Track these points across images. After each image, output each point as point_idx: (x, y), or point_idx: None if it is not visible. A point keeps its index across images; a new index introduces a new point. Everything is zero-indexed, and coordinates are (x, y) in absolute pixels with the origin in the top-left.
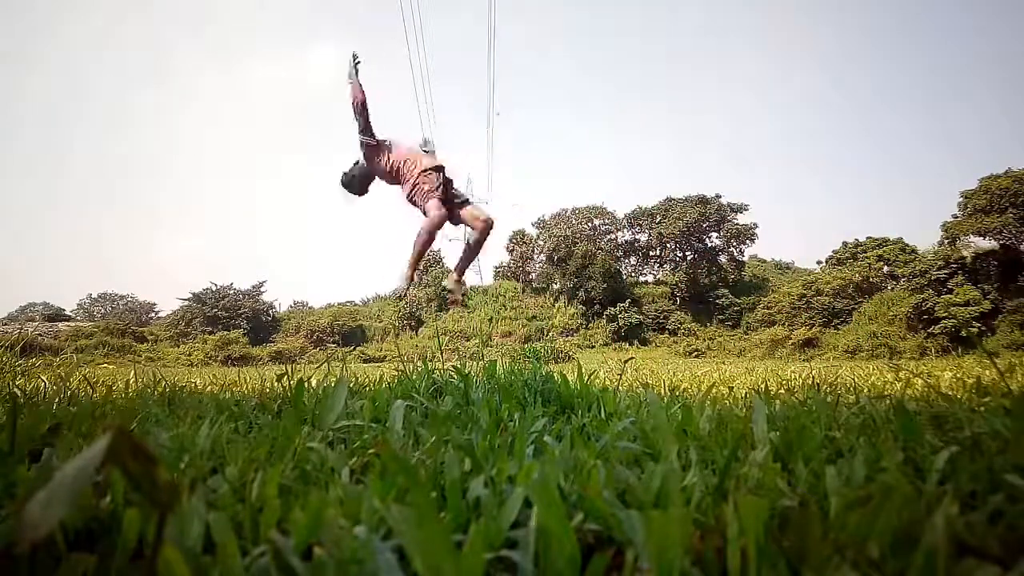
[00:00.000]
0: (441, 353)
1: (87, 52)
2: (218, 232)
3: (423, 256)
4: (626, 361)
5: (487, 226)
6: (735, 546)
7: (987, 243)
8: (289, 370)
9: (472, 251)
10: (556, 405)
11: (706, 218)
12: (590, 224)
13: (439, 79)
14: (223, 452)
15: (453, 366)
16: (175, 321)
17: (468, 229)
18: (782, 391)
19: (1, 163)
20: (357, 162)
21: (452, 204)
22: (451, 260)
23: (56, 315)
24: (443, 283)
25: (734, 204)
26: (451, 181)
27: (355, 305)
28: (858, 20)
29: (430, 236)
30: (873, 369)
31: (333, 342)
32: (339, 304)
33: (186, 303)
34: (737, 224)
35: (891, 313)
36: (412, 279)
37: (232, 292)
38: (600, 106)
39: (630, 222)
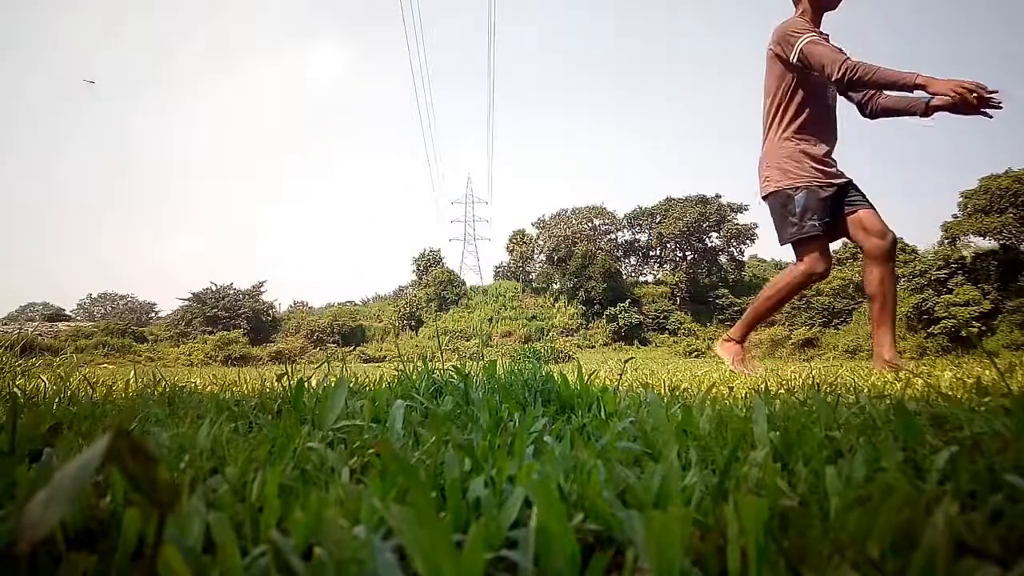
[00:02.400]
0: (441, 353)
1: (87, 52)
2: (218, 232)
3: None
4: (626, 361)
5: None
6: (735, 546)
7: (987, 243)
8: (289, 370)
9: None
10: (556, 405)
11: (706, 218)
12: (590, 224)
13: (439, 78)
14: (223, 452)
15: (453, 366)
16: (175, 321)
17: (469, 229)
18: (782, 391)
19: (1, 163)
20: None
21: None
22: (451, 260)
23: (56, 315)
24: None
25: (734, 204)
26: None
27: (355, 305)
28: (857, 20)
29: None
30: (873, 369)
31: (333, 342)
32: (339, 304)
33: (186, 303)
34: (737, 224)
35: None
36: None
37: (232, 292)
38: (600, 106)
39: (630, 222)
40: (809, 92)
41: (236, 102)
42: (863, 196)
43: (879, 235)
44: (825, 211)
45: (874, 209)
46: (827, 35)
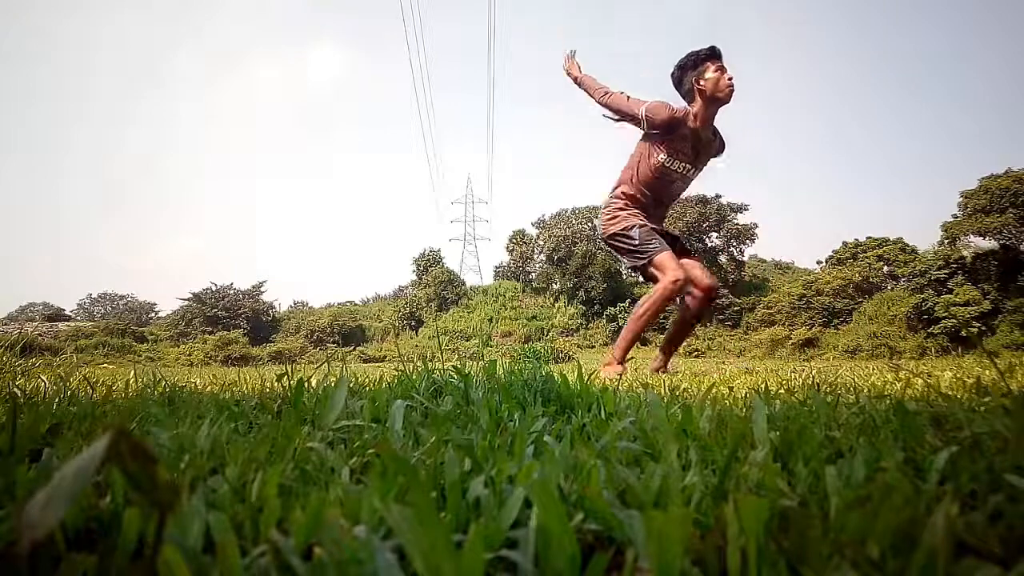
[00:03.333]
0: (441, 353)
1: (87, 52)
2: (218, 232)
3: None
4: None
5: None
6: (735, 546)
7: (987, 243)
8: (289, 370)
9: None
10: (556, 405)
11: (706, 218)
12: (590, 224)
13: (439, 78)
14: (223, 452)
15: (453, 366)
16: (175, 321)
17: (469, 229)
18: (782, 391)
19: (1, 163)
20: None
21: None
22: (451, 260)
23: (56, 315)
24: None
25: (734, 204)
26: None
27: (355, 305)
28: (857, 20)
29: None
30: (873, 369)
31: (333, 342)
32: (339, 304)
33: (186, 303)
34: (737, 224)
35: (891, 313)
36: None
37: (232, 292)
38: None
39: None
40: (651, 172)
41: (236, 102)
42: (688, 249)
43: (703, 288)
44: (659, 237)
45: (698, 260)
46: (715, 130)
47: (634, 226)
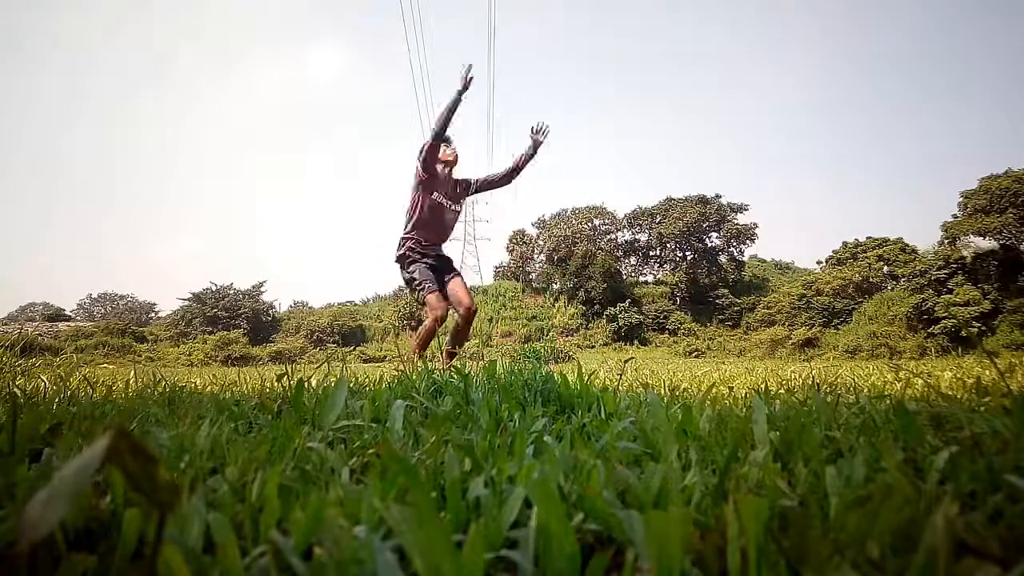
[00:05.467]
0: (441, 353)
1: (87, 52)
2: (218, 232)
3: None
4: (626, 361)
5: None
6: (735, 546)
7: (987, 243)
8: (289, 370)
9: (455, 337)
10: (556, 405)
11: (706, 218)
12: (590, 224)
13: (439, 79)
14: (223, 452)
15: (453, 366)
16: (175, 321)
17: (469, 229)
18: (782, 391)
19: (1, 163)
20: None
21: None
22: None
23: (56, 315)
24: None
25: (734, 204)
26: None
27: (355, 305)
28: (857, 20)
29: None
30: (873, 369)
31: (333, 342)
32: (339, 304)
33: (186, 303)
34: (737, 224)
35: (891, 313)
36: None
37: (232, 292)
38: (600, 106)
39: (630, 222)
40: (423, 206)
41: (236, 102)
42: (456, 270)
43: (464, 308)
44: (431, 274)
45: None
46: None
47: (415, 266)
